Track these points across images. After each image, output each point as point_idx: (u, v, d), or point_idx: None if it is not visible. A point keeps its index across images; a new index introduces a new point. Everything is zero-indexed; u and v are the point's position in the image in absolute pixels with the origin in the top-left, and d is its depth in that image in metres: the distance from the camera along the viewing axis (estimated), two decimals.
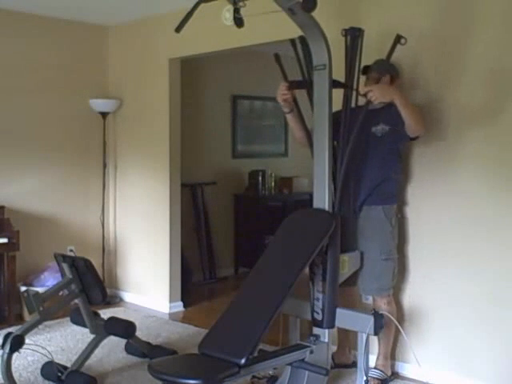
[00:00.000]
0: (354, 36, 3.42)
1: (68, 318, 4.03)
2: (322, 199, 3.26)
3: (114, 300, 5.49)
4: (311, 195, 3.35)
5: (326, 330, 3.22)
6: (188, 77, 5.74)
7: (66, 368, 3.56)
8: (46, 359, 3.63)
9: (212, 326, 2.91)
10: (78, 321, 3.83)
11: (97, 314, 3.83)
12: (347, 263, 3.36)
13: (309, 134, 3.47)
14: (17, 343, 3.33)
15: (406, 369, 3.70)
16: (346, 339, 3.77)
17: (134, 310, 5.22)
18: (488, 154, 3.38)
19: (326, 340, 3.21)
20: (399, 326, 3.40)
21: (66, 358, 3.97)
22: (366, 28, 3.47)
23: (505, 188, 3.32)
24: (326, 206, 3.25)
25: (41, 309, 3.45)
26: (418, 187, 3.66)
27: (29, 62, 5.21)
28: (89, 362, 3.72)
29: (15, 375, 3.45)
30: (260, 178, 6.67)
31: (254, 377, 3.36)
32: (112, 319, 3.79)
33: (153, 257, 5.35)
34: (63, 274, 3.75)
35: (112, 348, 4.12)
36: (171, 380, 2.59)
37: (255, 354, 2.73)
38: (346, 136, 3.36)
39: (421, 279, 3.65)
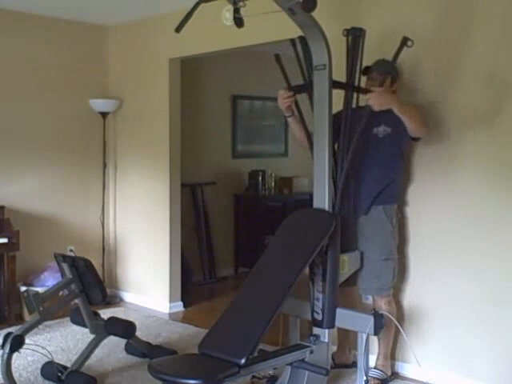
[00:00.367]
0: (355, 36, 3.41)
1: (68, 318, 4.03)
2: (322, 199, 3.26)
3: (113, 300, 5.49)
4: (311, 195, 3.35)
5: (326, 330, 3.22)
6: (188, 77, 5.74)
7: (66, 368, 3.56)
8: (46, 359, 3.63)
9: (212, 325, 2.91)
10: (78, 321, 3.83)
11: (97, 314, 3.83)
12: (347, 263, 3.36)
13: (309, 136, 3.47)
14: (17, 343, 3.33)
15: (406, 369, 3.70)
16: (346, 339, 3.77)
17: (134, 310, 5.22)
18: (488, 154, 3.38)
19: (326, 340, 3.21)
20: (399, 326, 3.40)
21: (66, 358, 3.97)
22: (366, 28, 3.46)
23: (505, 188, 3.32)
24: (326, 206, 3.24)
25: (41, 309, 3.45)
26: (419, 187, 3.66)
27: (29, 62, 5.21)
28: (89, 362, 3.72)
29: (15, 375, 3.45)
30: (260, 178, 6.66)
31: (253, 377, 3.37)
32: (112, 319, 3.79)
33: (153, 257, 5.35)
34: (63, 274, 3.75)
35: (112, 348, 4.12)
36: (171, 380, 2.59)
37: (255, 354, 2.73)
38: (346, 136, 3.36)
39: (421, 279, 3.65)
